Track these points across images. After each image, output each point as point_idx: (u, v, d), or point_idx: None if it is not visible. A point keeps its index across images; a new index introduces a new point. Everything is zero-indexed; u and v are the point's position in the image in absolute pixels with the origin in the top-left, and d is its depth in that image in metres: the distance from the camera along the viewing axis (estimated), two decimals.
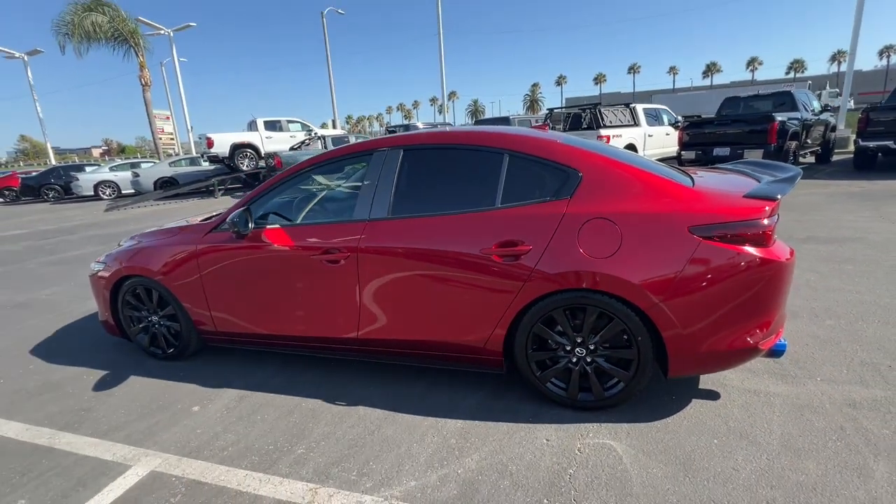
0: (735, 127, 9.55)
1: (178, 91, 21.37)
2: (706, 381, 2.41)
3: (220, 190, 14.95)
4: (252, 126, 15.58)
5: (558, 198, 2.17)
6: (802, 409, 2.15)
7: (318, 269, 2.51)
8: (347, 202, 2.68)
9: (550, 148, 2.29)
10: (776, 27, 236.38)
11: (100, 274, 3.18)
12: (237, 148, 14.92)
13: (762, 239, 1.95)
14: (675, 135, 11.99)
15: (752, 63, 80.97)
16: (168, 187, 15.36)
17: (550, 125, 12.08)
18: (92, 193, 17.07)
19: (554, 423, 2.18)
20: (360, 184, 2.60)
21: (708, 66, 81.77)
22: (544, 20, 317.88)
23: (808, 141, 10.22)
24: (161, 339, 3.12)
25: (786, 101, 10.38)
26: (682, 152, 10.44)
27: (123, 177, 17.29)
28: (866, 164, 9.63)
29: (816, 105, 11.19)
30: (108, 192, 17.11)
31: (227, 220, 2.64)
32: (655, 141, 11.46)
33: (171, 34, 21.05)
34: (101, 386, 2.89)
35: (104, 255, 3.30)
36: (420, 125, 16.36)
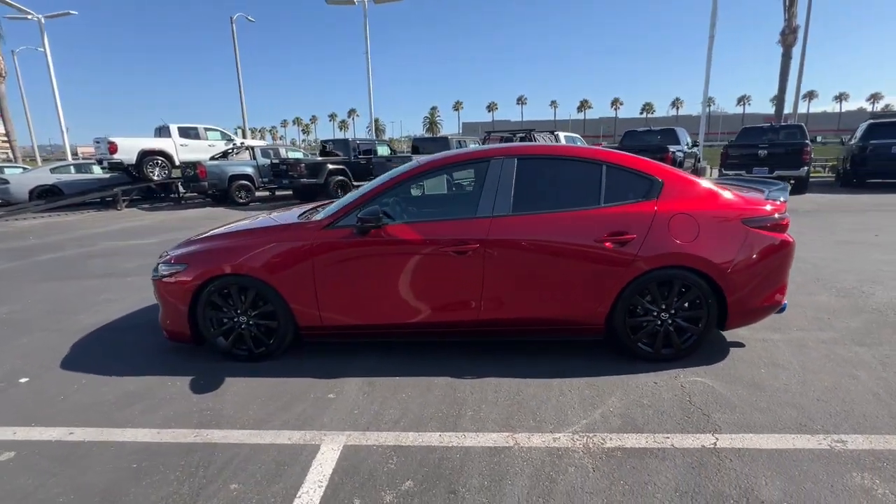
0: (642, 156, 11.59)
1: (50, 86, 18.19)
2: (730, 336, 3.29)
3: (124, 201, 13.19)
4: (163, 132, 14.13)
5: (648, 199, 2.87)
6: (798, 346, 3.12)
7: (444, 260, 2.86)
8: (459, 201, 3.06)
9: (636, 161, 3.00)
10: (634, 73, 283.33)
11: (177, 277, 3.04)
12: (146, 155, 13.41)
13: (783, 228, 2.87)
14: None
15: (615, 103, 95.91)
16: (51, 198, 13.09)
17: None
18: None
19: (651, 372, 2.83)
20: (464, 186, 3.02)
21: (582, 102, 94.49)
22: (442, 50, 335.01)
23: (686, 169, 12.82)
24: (248, 339, 3.09)
25: (671, 136, 12.87)
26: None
27: None
28: None
29: (689, 141, 14.05)
30: None
31: (360, 216, 2.84)
32: None
33: (43, 20, 18.02)
34: (200, 389, 2.79)
35: (167, 257, 3.15)
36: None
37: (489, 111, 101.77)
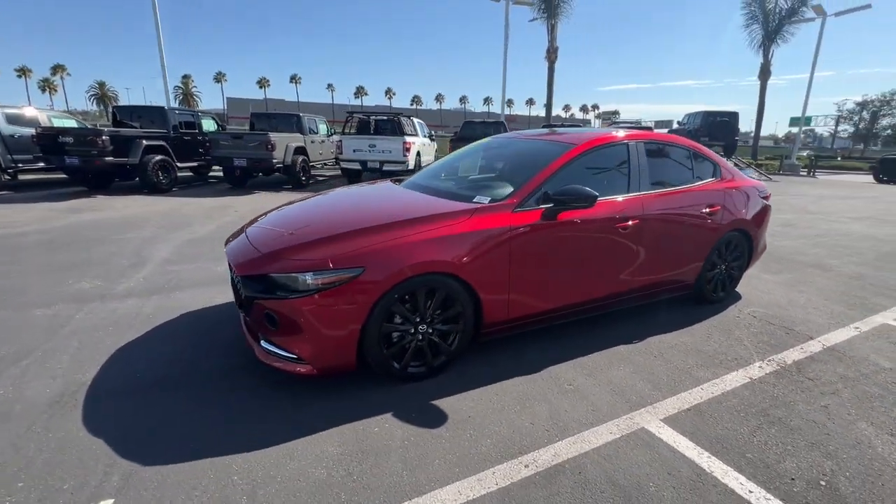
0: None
1: None
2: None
3: None
4: None
5: (714, 178, 3.70)
6: (788, 285, 4.54)
7: (612, 236, 3.01)
8: (602, 181, 3.17)
9: (702, 148, 3.77)
10: (409, 69, 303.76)
11: (351, 285, 2.20)
12: None
13: (769, 197, 4.16)
14: (434, 144, 14.88)
15: (389, 92, 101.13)
16: None
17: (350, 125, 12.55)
18: None
19: (724, 311, 3.72)
20: (607, 167, 3.20)
21: (358, 88, 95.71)
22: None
23: None
24: (428, 351, 2.53)
25: (500, 128, 14.86)
26: None
27: None
28: None
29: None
30: None
31: (554, 195, 2.67)
32: (427, 149, 13.88)
33: None
34: (430, 422, 2.19)
35: (310, 261, 2.24)
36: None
37: (260, 87, 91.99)
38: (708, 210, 3.48)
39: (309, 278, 2.21)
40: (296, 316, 2.23)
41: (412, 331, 2.46)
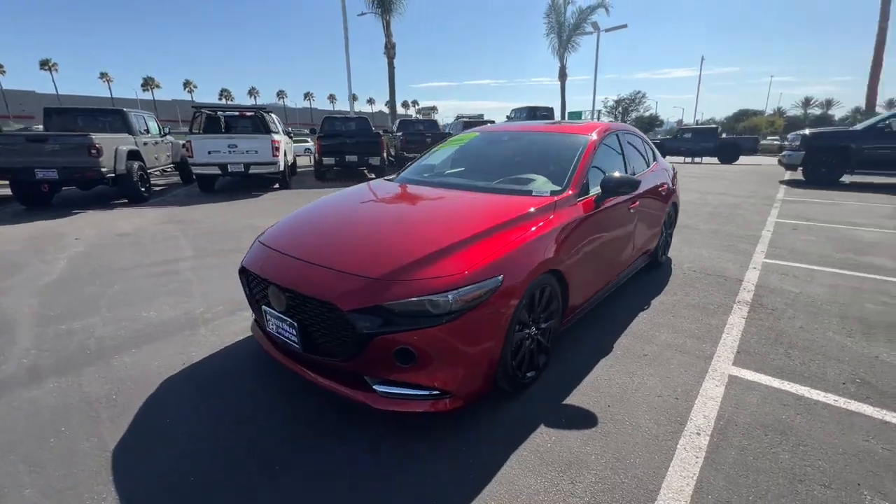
0: (359, 140, 12.61)
1: None
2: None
3: None
4: None
5: (655, 161, 4.41)
6: (684, 243, 5.62)
7: (628, 216, 3.35)
8: (613, 164, 3.45)
9: (646, 137, 4.43)
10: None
11: (491, 298, 1.95)
12: None
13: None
14: (292, 143, 13.60)
15: (189, 85, 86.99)
16: None
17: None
18: None
19: (672, 277, 4.51)
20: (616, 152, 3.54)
21: (146, 79, 79.23)
22: None
23: None
24: (536, 355, 2.44)
25: (365, 125, 14.44)
26: (324, 159, 12.43)
27: None
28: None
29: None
30: None
31: (608, 182, 2.82)
32: (289, 148, 12.60)
33: None
34: (585, 422, 2.14)
35: (450, 279, 1.93)
36: None
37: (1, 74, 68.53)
38: (662, 187, 4.16)
39: (451, 297, 1.90)
40: (438, 344, 1.90)
41: (528, 335, 2.34)
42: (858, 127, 11.55)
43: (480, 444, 2.01)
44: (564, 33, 28.04)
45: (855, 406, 2.28)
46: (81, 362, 2.73)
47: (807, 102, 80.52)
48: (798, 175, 11.80)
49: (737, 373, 2.59)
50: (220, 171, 9.92)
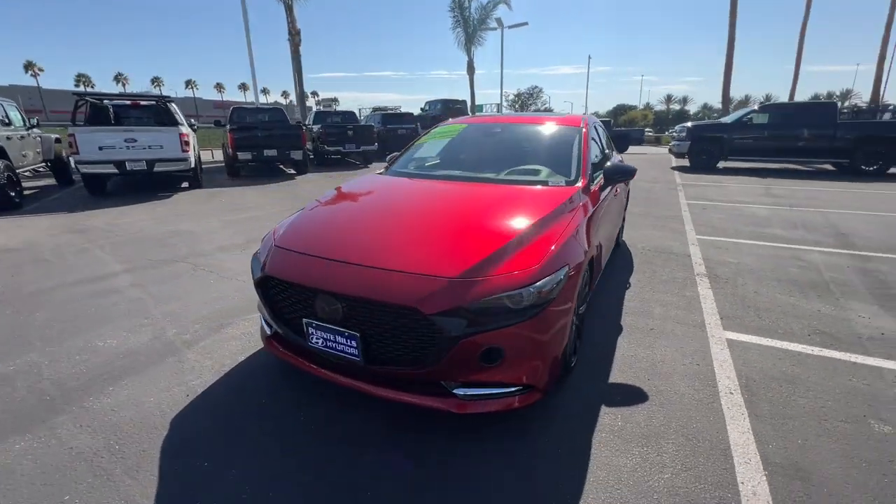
0: (278, 132, 11.68)
1: None
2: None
3: None
4: None
5: (613, 151, 4.77)
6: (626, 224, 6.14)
7: (614, 201, 3.60)
8: (595, 152, 3.65)
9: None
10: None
11: (564, 289, 1.97)
12: None
13: None
14: (195, 136, 12.16)
15: (31, 67, 72.48)
16: None
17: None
18: None
19: (635, 257, 4.95)
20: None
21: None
22: None
23: None
24: (575, 341, 2.53)
25: (281, 116, 13.40)
26: (239, 153, 11.32)
27: None
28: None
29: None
30: None
31: (611, 171, 3.00)
32: (195, 142, 11.24)
33: None
34: (636, 397, 2.28)
35: (525, 273, 1.90)
36: None
37: None
38: None
39: (531, 291, 1.89)
40: (522, 340, 1.89)
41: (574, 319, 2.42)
42: (727, 120, 13.68)
43: (561, 436, 2.04)
44: (470, 27, 28.69)
45: (827, 353, 2.75)
46: (45, 412, 2.20)
47: (669, 99, 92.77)
48: (684, 162, 13.60)
49: (731, 336, 2.96)
50: (115, 170, 8.50)
